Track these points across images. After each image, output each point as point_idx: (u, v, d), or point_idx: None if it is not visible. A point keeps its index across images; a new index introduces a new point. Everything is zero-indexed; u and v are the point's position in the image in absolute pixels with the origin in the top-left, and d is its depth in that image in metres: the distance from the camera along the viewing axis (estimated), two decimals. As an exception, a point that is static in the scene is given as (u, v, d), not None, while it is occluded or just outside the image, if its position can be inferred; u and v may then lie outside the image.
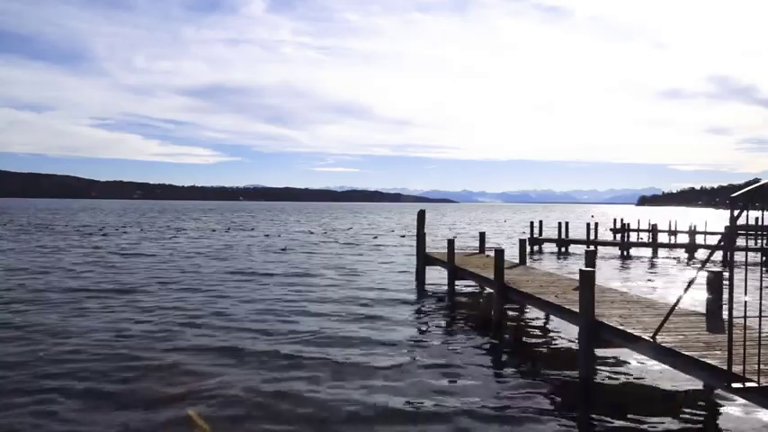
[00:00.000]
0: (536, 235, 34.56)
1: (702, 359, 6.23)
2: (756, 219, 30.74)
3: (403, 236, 45.69)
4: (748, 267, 15.37)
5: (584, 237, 34.08)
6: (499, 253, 12.63)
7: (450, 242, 16.86)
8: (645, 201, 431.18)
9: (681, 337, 7.25)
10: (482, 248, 20.70)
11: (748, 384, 5.20)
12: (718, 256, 26.92)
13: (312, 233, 49.71)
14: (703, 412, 7.43)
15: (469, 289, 17.42)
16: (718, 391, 7.49)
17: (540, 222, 36.32)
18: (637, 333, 7.54)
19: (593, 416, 7.38)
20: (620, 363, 9.43)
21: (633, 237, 39.81)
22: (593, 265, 11.27)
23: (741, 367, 5.27)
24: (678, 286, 18.26)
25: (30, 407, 7.36)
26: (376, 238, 43.76)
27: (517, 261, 16.98)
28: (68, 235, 42.18)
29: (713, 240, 35.95)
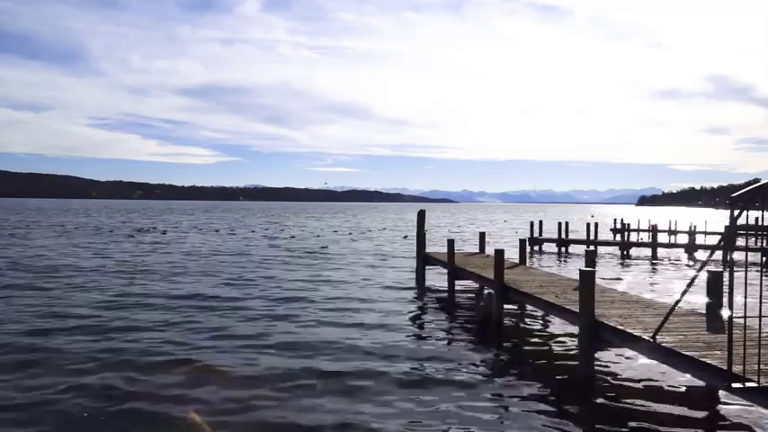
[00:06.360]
0: (536, 235, 34.53)
1: (702, 359, 6.23)
2: (756, 219, 30.74)
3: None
4: (748, 267, 15.39)
5: (585, 237, 34.07)
6: (499, 253, 12.63)
7: (450, 242, 16.86)
8: (645, 201, 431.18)
9: (681, 337, 7.25)
10: (482, 248, 20.71)
11: (748, 384, 5.20)
12: (719, 256, 26.93)
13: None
14: (703, 412, 7.44)
15: (469, 289, 17.42)
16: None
17: (540, 222, 36.29)
18: (637, 333, 7.54)
19: (593, 416, 7.38)
20: (619, 363, 9.43)
21: (633, 237, 39.84)
22: (593, 265, 11.28)
23: (741, 367, 5.27)
24: (678, 286, 18.26)
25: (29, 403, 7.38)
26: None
27: (517, 261, 16.99)
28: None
29: (713, 240, 35.97)
